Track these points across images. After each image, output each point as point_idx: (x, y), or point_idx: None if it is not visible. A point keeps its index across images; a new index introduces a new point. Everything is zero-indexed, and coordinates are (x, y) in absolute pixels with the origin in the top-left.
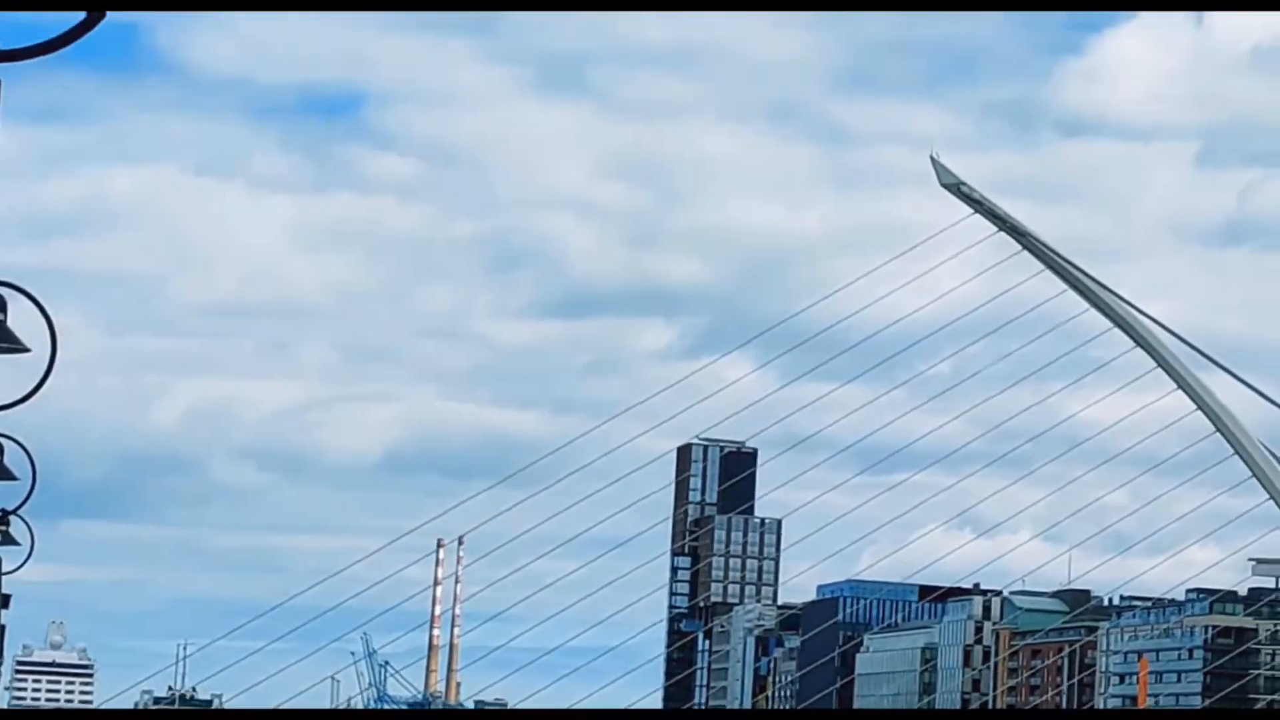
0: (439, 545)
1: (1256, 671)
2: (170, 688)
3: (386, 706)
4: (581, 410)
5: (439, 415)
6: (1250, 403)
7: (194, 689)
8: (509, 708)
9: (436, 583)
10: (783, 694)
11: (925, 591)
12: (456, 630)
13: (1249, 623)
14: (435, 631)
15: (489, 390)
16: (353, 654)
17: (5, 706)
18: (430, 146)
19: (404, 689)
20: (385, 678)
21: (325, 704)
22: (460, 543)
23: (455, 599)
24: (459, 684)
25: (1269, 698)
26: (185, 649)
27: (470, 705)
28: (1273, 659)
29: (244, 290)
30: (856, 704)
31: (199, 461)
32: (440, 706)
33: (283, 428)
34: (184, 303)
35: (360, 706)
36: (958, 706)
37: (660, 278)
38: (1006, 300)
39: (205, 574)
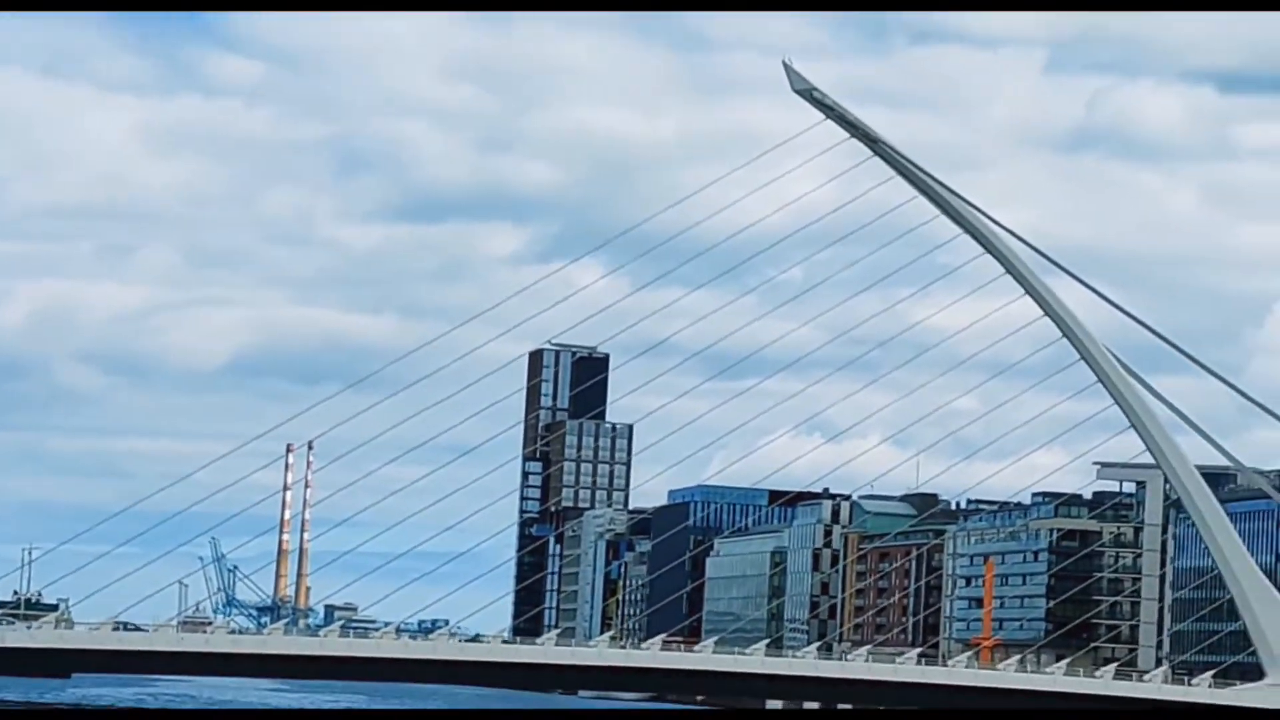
0: (288, 450)
1: (1100, 574)
2: (15, 592)
3: (235, 611)
4: (431, 315)
5: (287, 319)
6: (1097, 308)
7: (39, 593)
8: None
9: (286, 488)
10: (633, 598)
11: (775, 496)
12: (306, 535)
13: (1093, 526)
14: (285, 536)
15: (337, 294)
16: (201, 559)
17: None
18: (277, 49)
19: (253, 593)
20: (234, 582)
21: (173, 608)
22: (310, 448)
23: (305, 504)
24: (309, 589)
25: (1111, 599)
26: (30, 554)
27: (320, 610)
28: (1116, 561)
29: (89, 192)
30: (706, 607)
31: (41, 365)
32: (289, 611)
33: (127, 332)
34: (27, 204)
35: (209, 610)
36: (806, 609)
37: (510, 182)
38: (857, 206)
39: (49, 478)
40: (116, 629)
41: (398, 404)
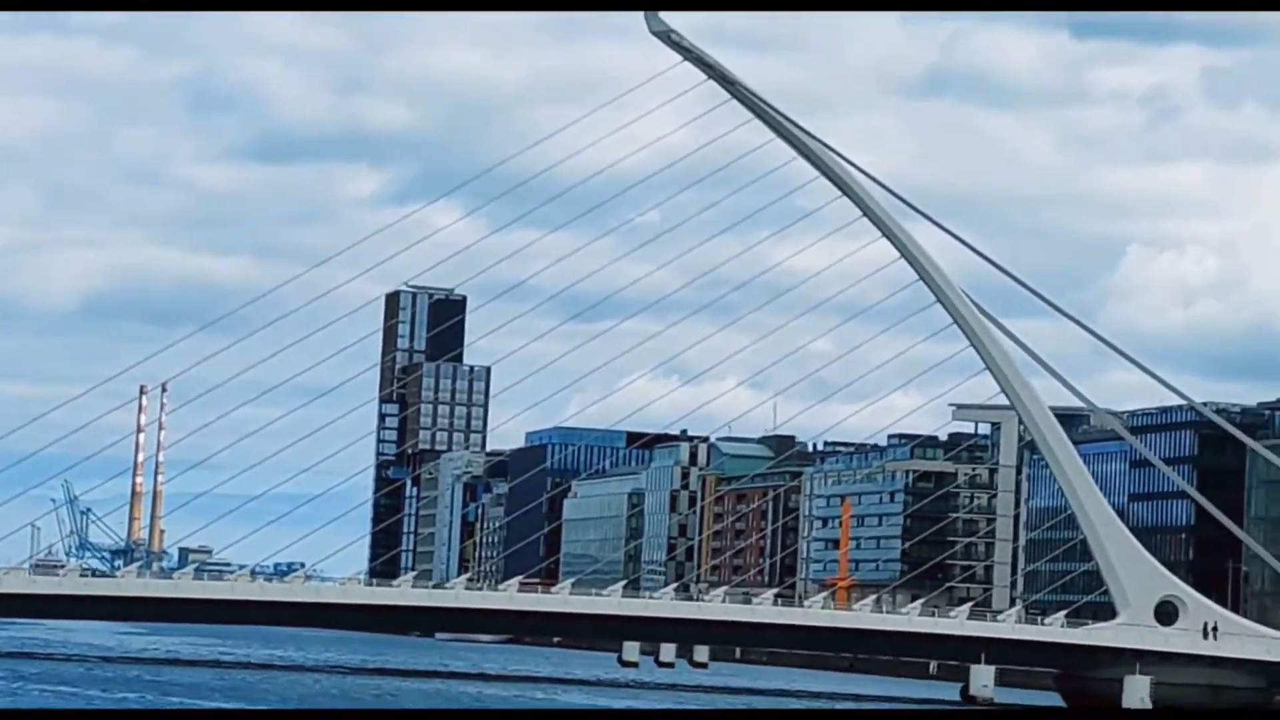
0: (141, 392)
1: (955, 515)
2: None
3: (88, 554)
4: (287, 257)
5: (141, 261)
6: (953, 251)
7: None
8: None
9: (139, 430)
10: (490, 540)
11: (632, 438)
12: (160, 477)
13: (948, 467)
14: (138, 479)
15: (192, 235)
16: (53, 501)
17: None
18: None
19: (106, 536)
20: (87, 525)
21: (24, 551)
22: (164, 389)
23: (159, 446)
24: (163, 531)
25: (966, 540)
26: None
27: (174, 552)
28: (970, 502)
29: None
30: (564, 549)
31: None
32: (143, 554)
33: None
34: None
35: (61, 553)
36: (663, 551)
37: (368, 124)
38: (715, 149)
39: None
40: None
41: (253, 345)
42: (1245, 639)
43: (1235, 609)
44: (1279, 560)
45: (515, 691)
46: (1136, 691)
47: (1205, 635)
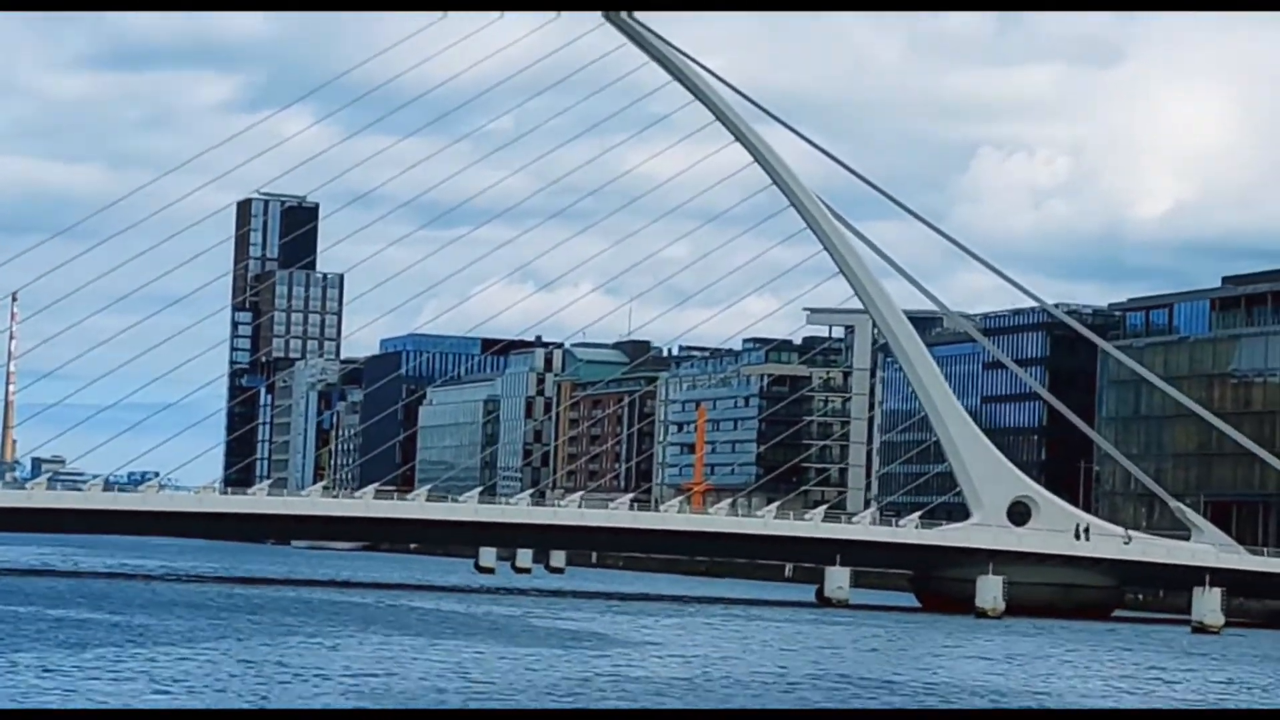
0: None
1: (809, 418)
2: None
3: None
4: (138, 164)
5: None
6: (805, 155)
7: None
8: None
9: None
10: (346, 448)
11: (487, 345)
12: (11, 388)
13: (803, 371)
14: None
15: (40, 144)
16: None
17: None
18: None
19: None
20: None
21: None
22: (14, 299)
23: (9, 356)
24: (14, 442)
25: (820, 443)
26: None
27: (27, 462)
28: (825, 406)
29: None
30: (419, 456)
31: None
32: None
33: None
34: None
35: None
36: (519, 457)
37: (218, 30)
38: (567, 54)
39: None
40: None
41: (104, 254)
42: (1097, 538)
43: (1087, 508)
44: (1129, 460)
45: (373, 599)
46: (990, 591)
47: (1077, 537)
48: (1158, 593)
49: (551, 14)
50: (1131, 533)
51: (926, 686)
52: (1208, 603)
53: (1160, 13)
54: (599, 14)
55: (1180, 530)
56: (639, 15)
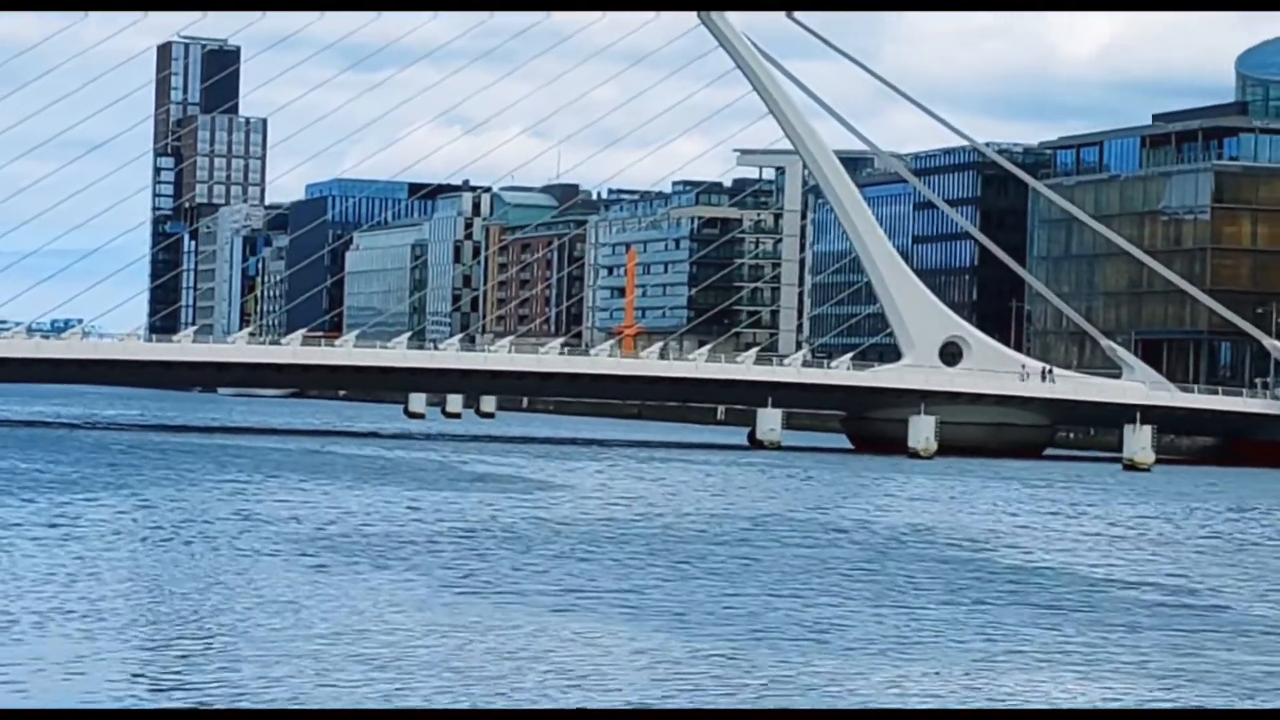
0: None
1: (740, 260)
2: None
3: None
4: (56, 8)
5: None
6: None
7: None
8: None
9: None
10: (272, 294)
11: (414, 189)
12: None
13: (733, 213)
14: None
15: None
16: None
17: None
18: None
19: None
20: None
21: None
22: None
23: None
24: None
25: (752, 285)
26: None
27: None
28: (756, 248)
29: None
30: (347, 302)
31: None
32: None
33: None
34: None
35: None
36: (448, 303)
37: None
38: None
39: None
40: None
41: (22, 99)
42: (1036, 378)
43: (1019, 348)
44: (1060, 299)
45: (302, 445)
46: (922, 432)
47: (1043, 379)
48: (1089, 431)
49: None
50: (1063, 371)
51: (857, 524)
52: (1138, 440)
53: None
54: None
55: (1112, 369)
56: None
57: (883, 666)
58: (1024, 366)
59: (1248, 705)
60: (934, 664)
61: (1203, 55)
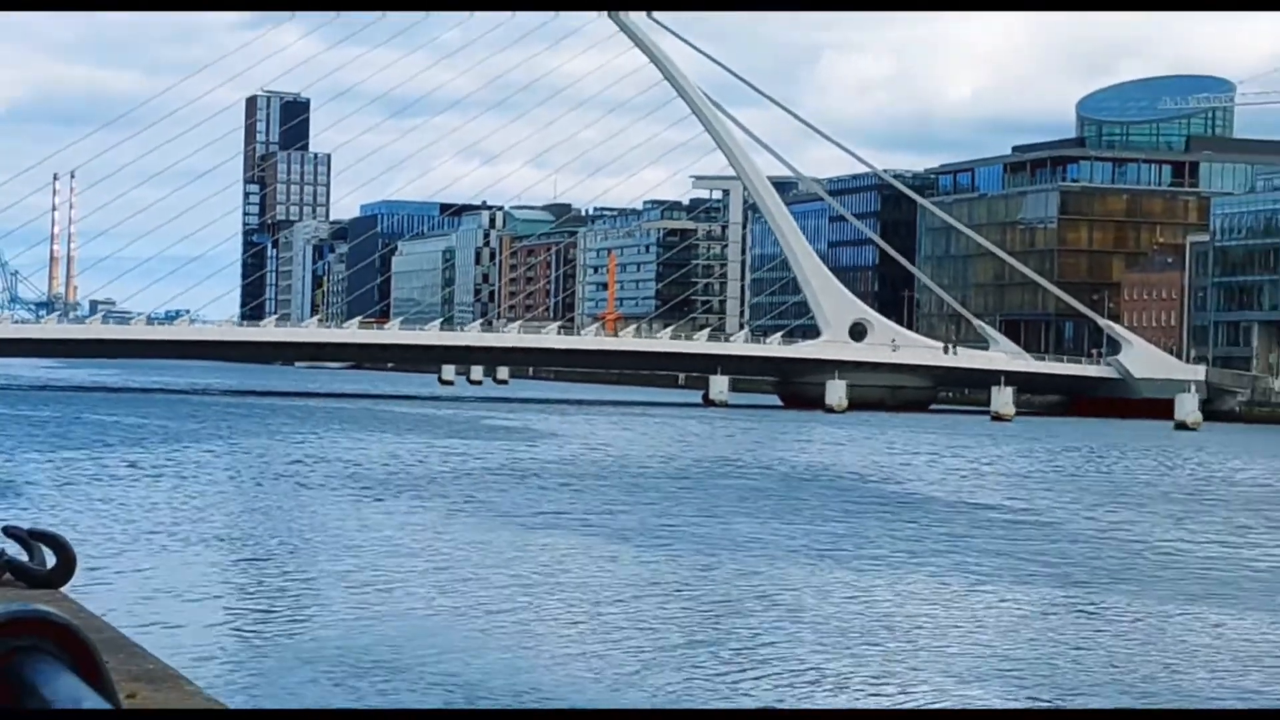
0: (55, 178)
1: (696, 262)
2: None
3: (18, 306)
4: (169, 71)
5: (49, 74)
6: (689, 57)
7: None
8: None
9: (54, 208)
10: (336, 289)
11: (444, 208)
12: (73, 245)
13: (690, 225)
14: (55, 246)
15: (93, 55)
16: None
17: None
18: None
19: (32, 292)
20: (16, 284)
21: None
22: (72, 176)
23: (70, 220)
24: (76, 287)
25: (705, 281)
26: None
27: (85, 304)
28: (708, 252)
29: None
30: (394, 295)
31: None
32: (61, 306)
33: None
34: None
35: None
36: (471, 295)
37: None
38: None
39: None
40: None
41: (144, 139)
42: (918, 349)
43: (910, 328)
44: (942, 289)
45: (359, 405)
46: (836, 393)
47: (893, 349)
48: (964, 391)
49: None
50: (931, 341)
51: (781, 462)
52: (1002, 398)
53: None
54: None
55: (981, 342)
56: None
57: (785, 566)
58: (895, 341)
59: (1099, 608)
60: (826, 564)
61: (1050, 100)
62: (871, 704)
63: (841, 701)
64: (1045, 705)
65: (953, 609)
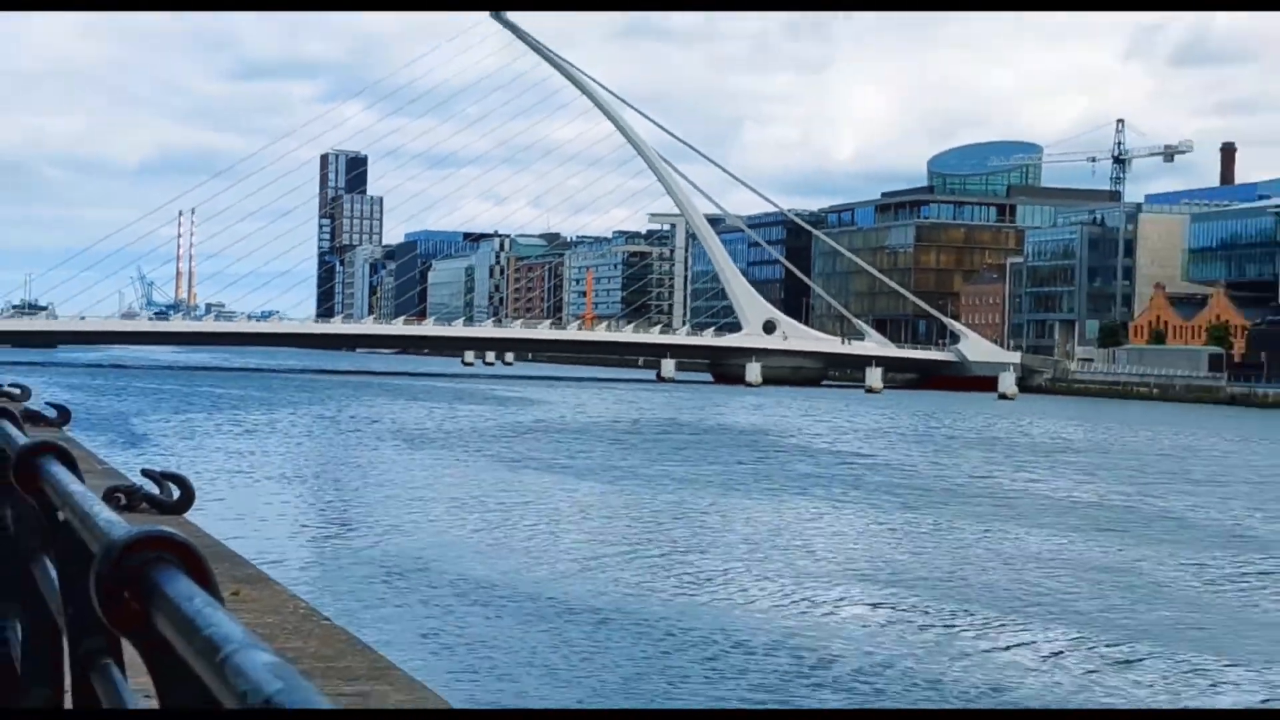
0: (180, 214)
1: (651, 276)
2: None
3: (153, 309)
4: (261, 134)
5: (178, 138)
6: (646, 126)
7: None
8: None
9: (180, 235)
10: (387, 296)
11: (467, 236)
12: (193, 263)
13: (648, 249)
14: (180, 264)
15: (202, 122)
16: (132, 277)
17: None
18: None
19: (162, 296)
20: (151, 291)
21: (115, 308)
22: (193, 212)
23: (191, 244)
24: (195, 294)
25: (658, 290)
26: (29, 278)
27: (203, 306)
28: (660, 269)
29: None
30: (430, 300)
31: (24, 165)
32: (185, 308)
33: (89, 141)
34: None
35: (137, 309)
36: (486, 300)
37: (306, 54)
38: (508, 71)
39: (41, 231)
40: (82, 319)
41: (243, 186)
42: (813, 339)
43: (807, 324)
44: (830, 297)
45: (403, 381)
46: (753, 372)
47: (784, 339)
48: (847, 371)
49: (499, 44)
50: (822, 334)
51: (709, 422)
52: (874, 376)
53: (856, 18)
54: (522, 44)
55: (859, 335)
56: (540, 40)
57: (705, 494)
58: (785, 334)
59: (928, 524)
60: (736, 492)
61: (910, 158)
62: (764, 588)
63: (749, 580)
64: (958, 634)
65: (823, 523)
